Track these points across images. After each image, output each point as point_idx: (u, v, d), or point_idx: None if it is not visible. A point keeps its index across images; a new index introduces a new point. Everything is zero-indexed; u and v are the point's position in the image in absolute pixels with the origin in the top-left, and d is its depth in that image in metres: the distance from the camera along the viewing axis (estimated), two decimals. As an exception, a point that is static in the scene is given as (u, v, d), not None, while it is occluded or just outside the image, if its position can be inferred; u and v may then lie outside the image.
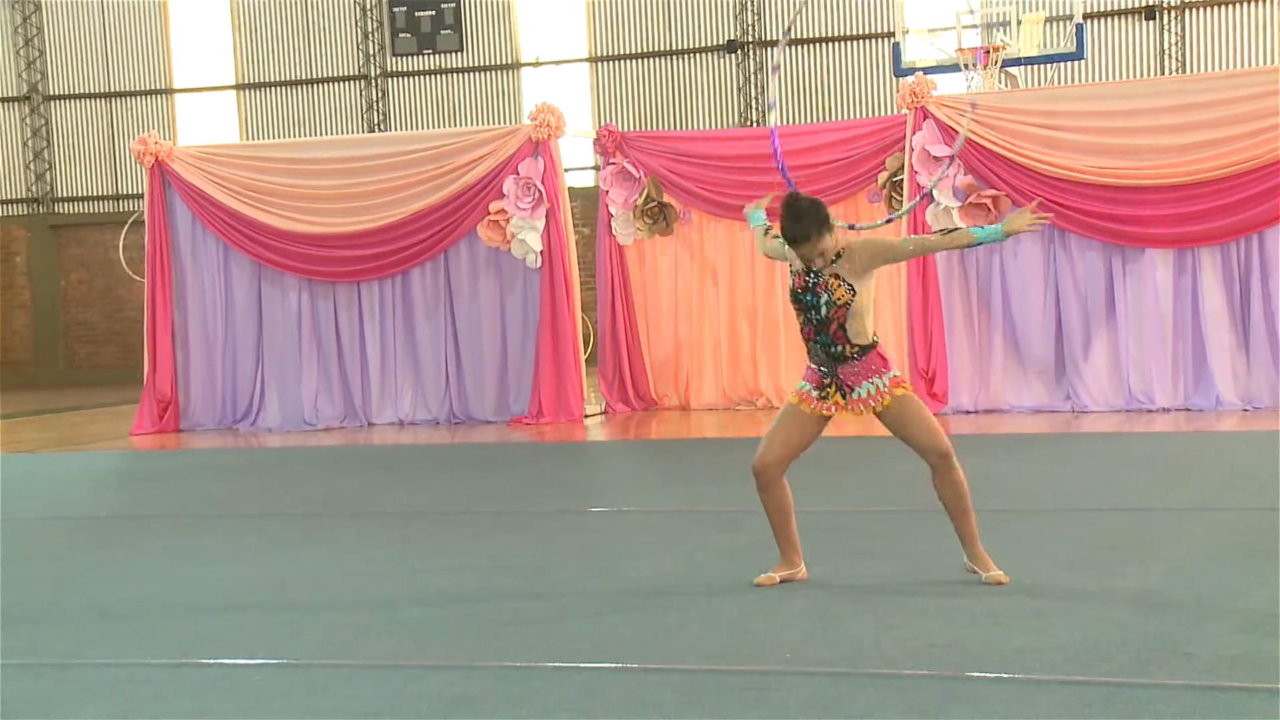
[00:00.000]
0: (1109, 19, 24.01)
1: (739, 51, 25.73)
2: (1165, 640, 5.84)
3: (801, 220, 6.74)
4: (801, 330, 7.04)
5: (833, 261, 6.82)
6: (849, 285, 6.79)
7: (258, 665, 6.10)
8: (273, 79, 27.93)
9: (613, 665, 5.85)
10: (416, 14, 26.89)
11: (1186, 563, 7.40)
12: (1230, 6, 23.79)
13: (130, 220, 20.36)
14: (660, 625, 6.47)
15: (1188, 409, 14.22)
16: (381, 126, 27.20)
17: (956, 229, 6.78)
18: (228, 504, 11.35)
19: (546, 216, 15.84)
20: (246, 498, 11.68)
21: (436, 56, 27.21)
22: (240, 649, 6.34)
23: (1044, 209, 14.14)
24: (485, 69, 27.07)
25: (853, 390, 6.92)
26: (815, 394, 7.01)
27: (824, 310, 6.82)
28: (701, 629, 6.38)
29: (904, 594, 6.94)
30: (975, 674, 5.44)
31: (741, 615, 6.58)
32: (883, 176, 15.30)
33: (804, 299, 6.88)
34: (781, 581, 7.08)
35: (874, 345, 6.94)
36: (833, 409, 7.00)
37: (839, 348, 6.87)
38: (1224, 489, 9.71)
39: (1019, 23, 20.28)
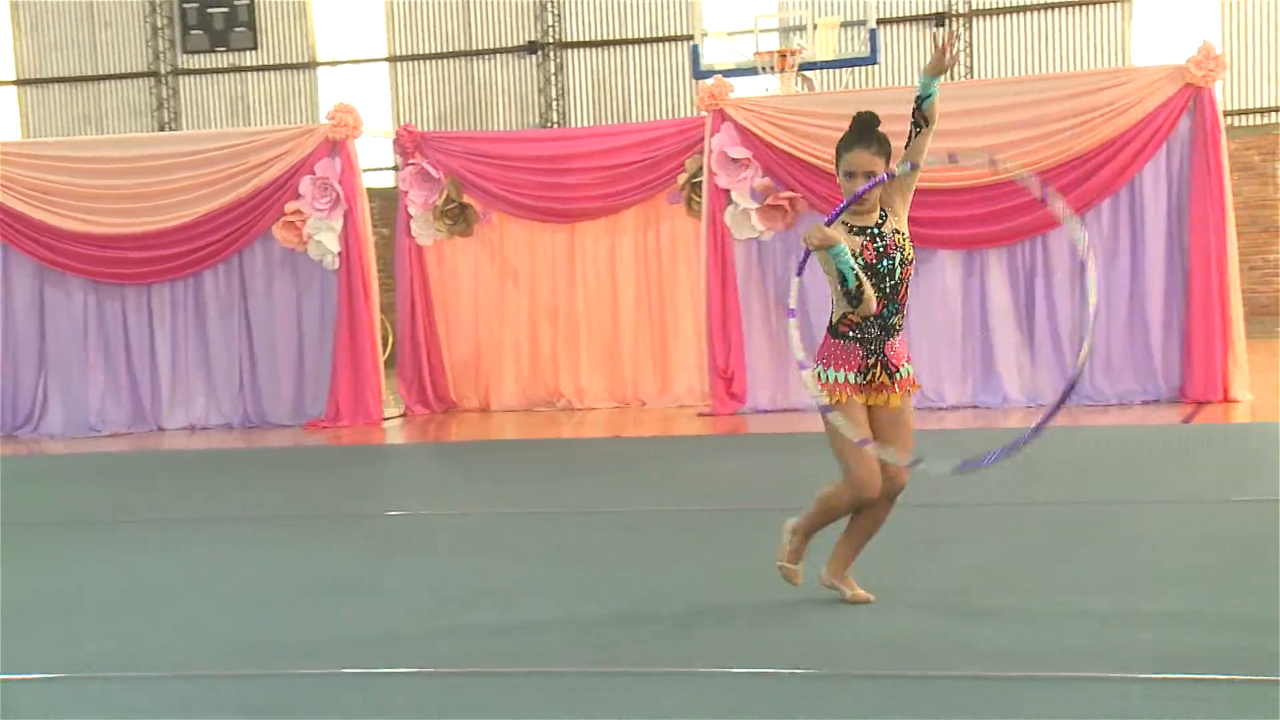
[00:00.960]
0: (901, 25, 24.54)
1: (539, 52, 25.73)
2: (951, 633, 6.00)
3: (878, 126, 6.26)
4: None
5: (883, 218, 6.22)
6: (907, 236, 6.29)
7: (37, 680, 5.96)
8: (56, 75, 27.20)
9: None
10: (209, 10, 26.43)
11: (980, 558, 7.59)
12: (1015, 15, 24.47)
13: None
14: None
15: (976, 406, 14.58)
16: (172, 125, 26.70)
17: (913, 115, 6.41)
18: (7, 513, 11.04)
19: (344, 217, 15.61)
20: (30, 507, 11.35)
21: (230, 54, 26.76)
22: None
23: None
24: (281, 68, 26.73)
25: (898, 370, 6.29)
26: (858, 379, 6.21)
27: (898, 273, 6.18)
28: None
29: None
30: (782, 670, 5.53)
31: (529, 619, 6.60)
32: (682, 178, 15.38)
33: (880, 267, 6.13)
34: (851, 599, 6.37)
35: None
36: (878, 393, 6.26)
37: (898, 316, 6.25)
38: (1013, 484, 9.96)
39: (815, 27, 20.61)
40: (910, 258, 6.23)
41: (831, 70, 21.54)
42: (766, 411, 14.99)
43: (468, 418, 16.10)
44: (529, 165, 16.21)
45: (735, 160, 14.81)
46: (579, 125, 24.92)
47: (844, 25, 21.18)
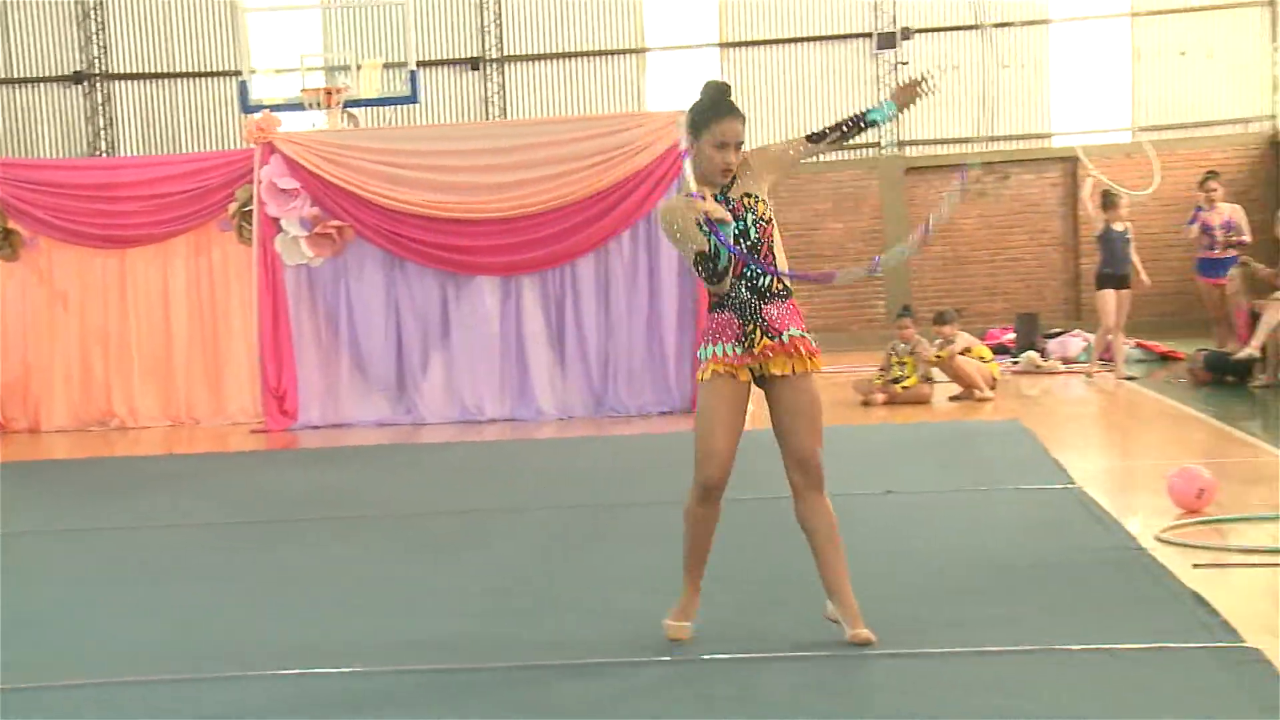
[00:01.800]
0: (439, 67, 24.81)
1: (85, 83, 24.78)
2: (509, 626, 6.20)
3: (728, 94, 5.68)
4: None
5: (728, 187, 5.58)
6: (764, 200, 5.61)
7: None
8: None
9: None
10: None
11: (519, 557, 7.82)
12: (544, 61, 25.10)
13: None
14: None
15: (513, 419, 14.89)
16: None
17: (846, 124, 5.84)
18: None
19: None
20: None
21: None
22: None
23: (385, 240, 14.66)
24: None
25: (780, 334, 5.50)
26: (736, 350, 5.50)
27: (753, 232, 5.51)
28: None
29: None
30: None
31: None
32: (233, 207, 15.19)
33: (733, 229, 5.48)
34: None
35: (792, 294, 5.64)
36: (761, 360, 5.49)
37: (768, 279, 5.51)
38: (544, 490, 10.27)
39: (359, 67, 20.62)
40: (768, 218, 5.57)
41: (375, 107, 21.54)
42: (318, 427, 14.90)
43: (16, 438, 15.36)
44: (76, 192, 15.64)
45: (284, 190, 14.73)
46: (128, 155, 24.12)
47: (386, 66, 21.24)
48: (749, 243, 5.50)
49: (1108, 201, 15.77)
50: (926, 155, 24.40)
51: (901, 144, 24.76)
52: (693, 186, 5.40)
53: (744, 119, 5.63)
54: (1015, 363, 18.00)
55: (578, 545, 8.03)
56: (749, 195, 5.57)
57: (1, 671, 5.65)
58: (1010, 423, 12.45)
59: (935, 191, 23.29)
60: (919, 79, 5.90)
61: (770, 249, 5.55)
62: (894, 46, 24.45)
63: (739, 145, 5.61)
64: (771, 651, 5.50)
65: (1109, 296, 15.68)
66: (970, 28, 23.43)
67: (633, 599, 6.45)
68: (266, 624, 6.42)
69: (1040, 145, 24.49)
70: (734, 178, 5.59)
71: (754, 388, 5.63)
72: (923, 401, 14.61)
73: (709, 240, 5.40)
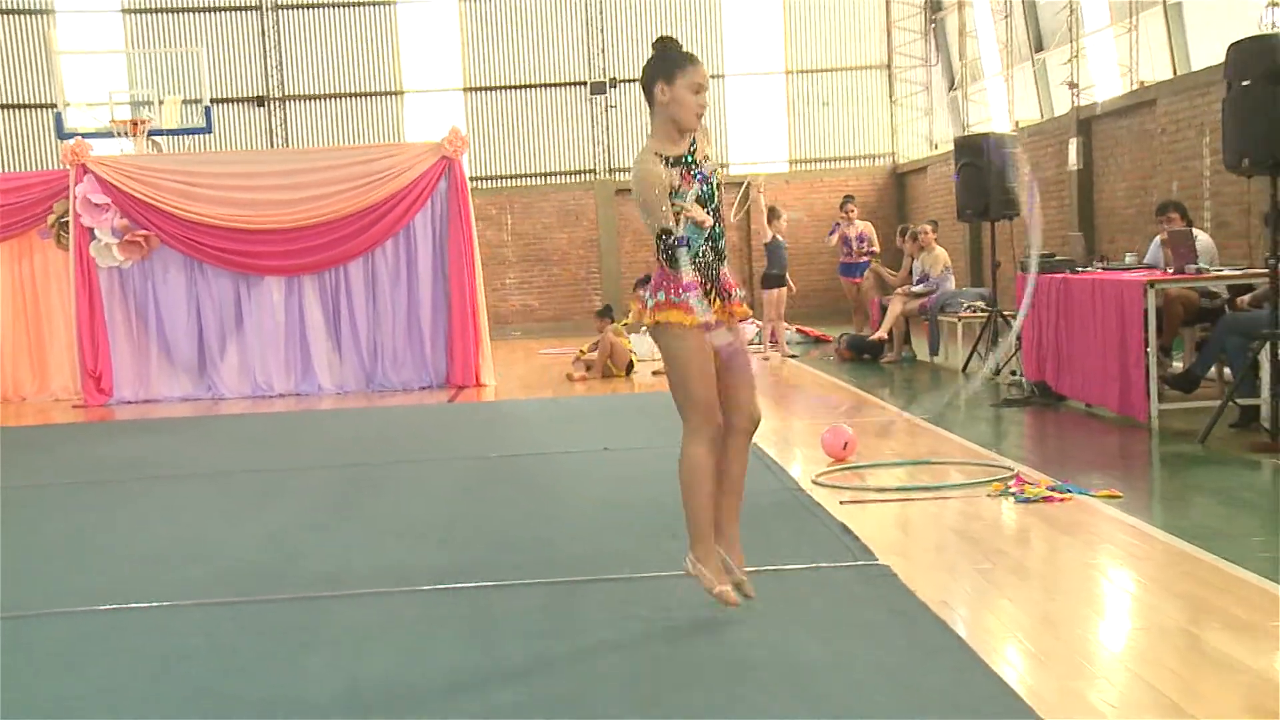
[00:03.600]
0: (230, 104, 24.00)
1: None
2: (294, 562, 6.01)
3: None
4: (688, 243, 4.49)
5: (694, 146, 4.55)
6: (714, 160, 4.65)
7: None
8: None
9: None
10: None
11: (305, 508, 7.61)
12: (322, 100, 24.48)
13: None
14: None
15: (298, 394, 14.52)
16: None
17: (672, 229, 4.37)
18: None
19: None
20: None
21: None
22: None
23: (186, 247, 14.09)
24: None
25: (730, 294, 4.63)
26: (704, 303, 4.48)
27: (716, 197, 4.57)
28: None
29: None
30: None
31: None
32: (51, 218, 14.56)
33: (703, 193, 4.50)
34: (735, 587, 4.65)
35: None
36: (715, 315, 4.52)
37: (724, 242, 4.62)
38: (325, 452, 10.02)
39: (161, 102, 19.84)
40: (721, 180, 4.66)
41: (176, 136, 20.69)
42: (131, 402, 14.28)
43: None
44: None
45: (97, 205, 14.08)
46: None
47: (185, 102, 20.47)
48: (713, 205, 4.55)
49: (772, 216, 16.12)
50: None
51: (612, 170, 24.93)
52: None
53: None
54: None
55: (355, 498, 7.84)
56: (708, 158, 4.58)
57: None
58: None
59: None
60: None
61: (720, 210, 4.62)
62: (604, 93, 24.61)
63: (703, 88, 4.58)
64: (506, 580, 5.46)
65: (775, 293, 16.04)
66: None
67: (402, 542, 6.33)
68: (76, 571, 6.08)
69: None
70: (694, 139, 4.57)
71: None
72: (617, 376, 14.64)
73: (678, 223, 4.44)
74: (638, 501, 7.04)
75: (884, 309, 15.27)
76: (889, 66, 25.57)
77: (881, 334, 15.00)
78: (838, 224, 17.62)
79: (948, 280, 15.08)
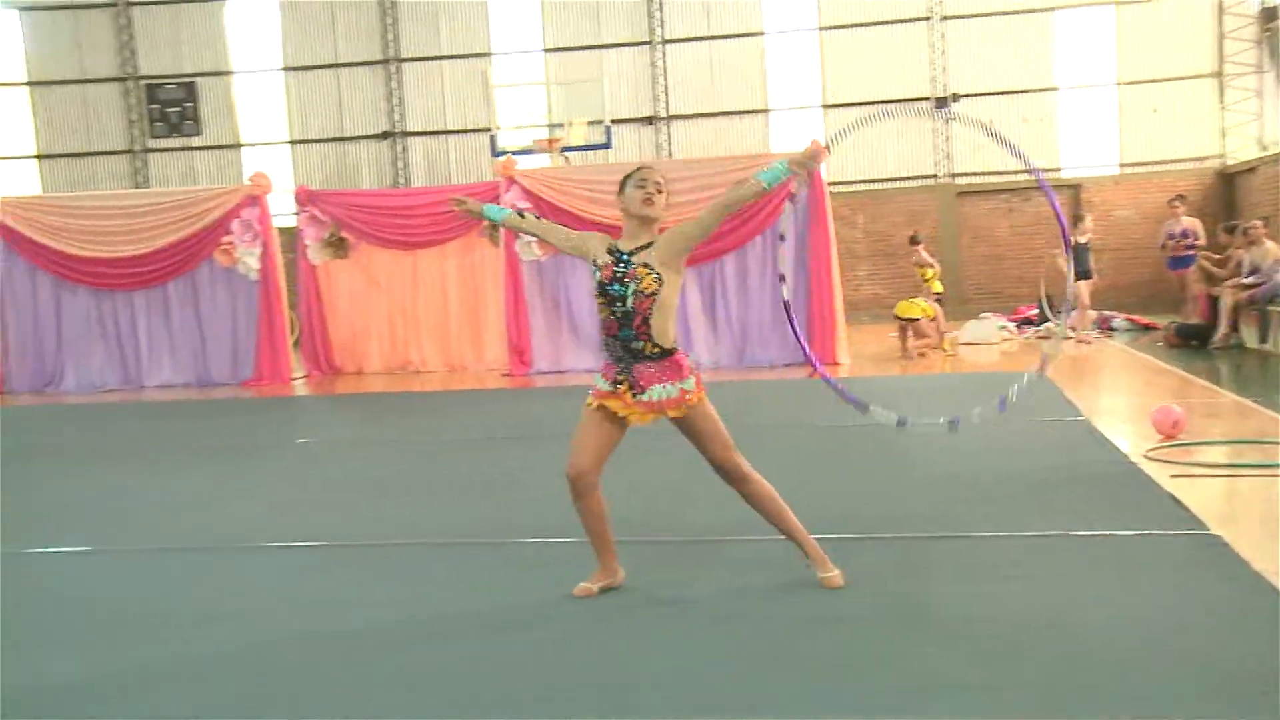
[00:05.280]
0: (627, 124, 24.86)
1: (390, 139, 25.27)
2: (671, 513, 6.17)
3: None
4: (604, 326, 4.61)
5: (643, 248, 4.57)
6: (657, 275, 4.50)
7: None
8: (66, 151, 25.55)
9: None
10: (167, 108, 25.15)
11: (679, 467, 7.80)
12: (699, 119, 24.96)
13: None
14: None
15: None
16: (143, 186, 25.38)
17: (741, 183, 4.45)
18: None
19: (261, 246, 15.23)
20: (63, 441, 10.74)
21: (182, 137, 25.50)
22: None
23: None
24: (216, 147, 25.66)
25: (643, 391, 4.54)
26: (606, 388, 4.60)
27: (630, 302, 4.50)
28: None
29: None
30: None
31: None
32: (486, 224, 15.37)
33: (611, 290, 4.52)
34: (601, 591, 4.70)
35: (674, 351, 4.57)
36: (621, 406, 4.58)
37: (640, 343, 4.52)
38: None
39: (571, 124, 20.79)
40: (650, 290, 4.49)
41: (582, 152, 21.66)
42: (547, 373, 15.02)
43: (348, 378, 15.80)
44: (384, 213, 15.95)
45: (523, 209, 14.86)
46: (416, 186, 24.59)
47: (590, 123, 21.35)
48: (624, 310, 4.50)
49: (1077, 220, 15.90)
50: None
51: (953, 175, 24.16)
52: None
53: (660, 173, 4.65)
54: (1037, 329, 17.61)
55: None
56: (648, 266, 4.51)
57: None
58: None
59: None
60: (822, 146, 4.92)
61: (644, 321, 4.49)
62: (946, 106, 23.86)
63: (659, 186, 4.59)
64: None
65: (1084, 285, 15.49)
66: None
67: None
68: (506, 508, 6.48)
69: (1053, 176, 23.75)
70: (651, 244, 4.56)
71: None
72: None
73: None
74: (969, 472, 6.88)
75: (1210, 299, 14.18)
76: (1220, 75, 23.48)
77: (1223, 331, 13.87)
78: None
79: (1278, 272, 13.79)
